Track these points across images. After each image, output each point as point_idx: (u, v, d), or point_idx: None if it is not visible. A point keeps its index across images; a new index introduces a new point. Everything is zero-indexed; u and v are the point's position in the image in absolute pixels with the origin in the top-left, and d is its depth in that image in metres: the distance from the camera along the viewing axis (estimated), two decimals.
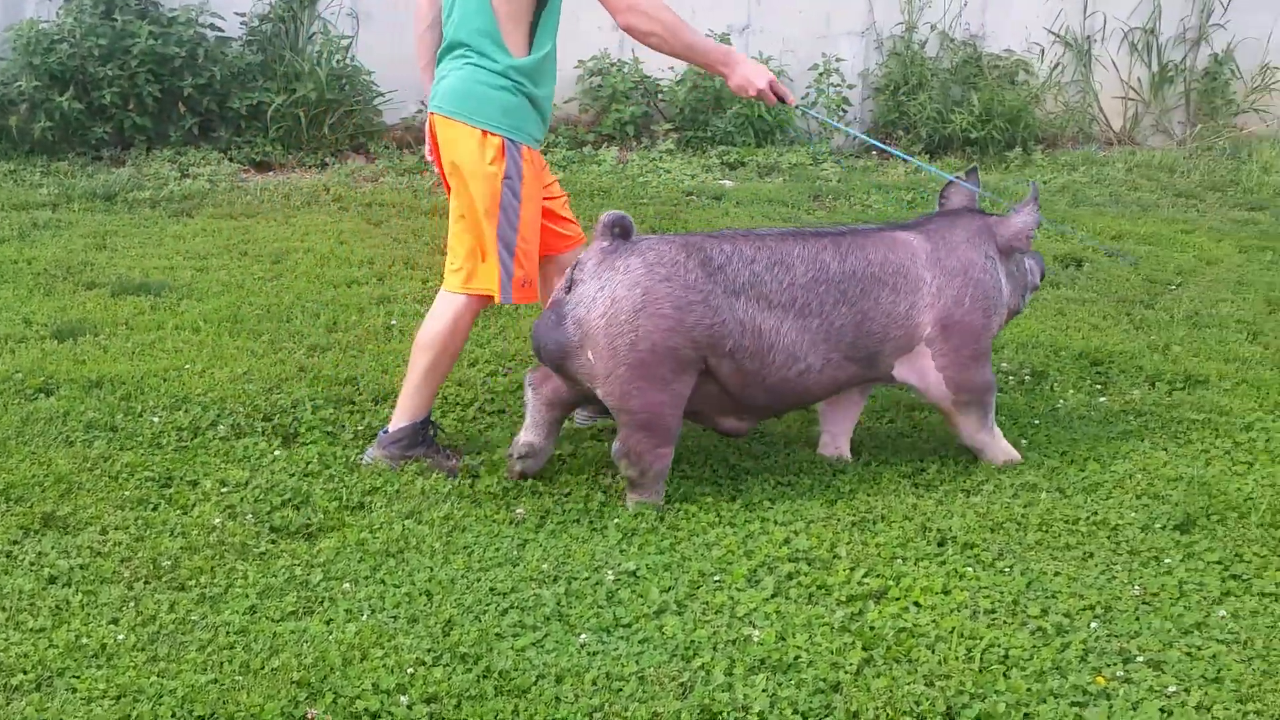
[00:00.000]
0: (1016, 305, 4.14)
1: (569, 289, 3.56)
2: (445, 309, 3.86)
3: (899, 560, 3.41)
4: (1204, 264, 6.28)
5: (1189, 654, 3.01)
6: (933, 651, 2.99)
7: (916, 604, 3.20)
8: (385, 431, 3.94)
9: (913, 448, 4.12)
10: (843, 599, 3.21)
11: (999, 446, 4.04)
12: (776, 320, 3.67)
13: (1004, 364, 4.78)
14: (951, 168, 8.50)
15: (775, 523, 3.59)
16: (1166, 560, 3.43)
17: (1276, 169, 8.53)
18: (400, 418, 3.93)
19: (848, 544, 3.47)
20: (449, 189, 3.89)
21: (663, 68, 8.63)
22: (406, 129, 8.22)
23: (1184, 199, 7.87)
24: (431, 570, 3.26)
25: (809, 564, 3.37)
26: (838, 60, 8.83)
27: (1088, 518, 3.67)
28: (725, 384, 3.67)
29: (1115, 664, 2.96)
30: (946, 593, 3.26)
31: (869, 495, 3.78)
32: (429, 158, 4.03)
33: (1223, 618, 3.16)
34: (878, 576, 3.32)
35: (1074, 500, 3.79)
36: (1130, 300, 5.61)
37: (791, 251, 3.74)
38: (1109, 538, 3.56)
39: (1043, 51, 9.42)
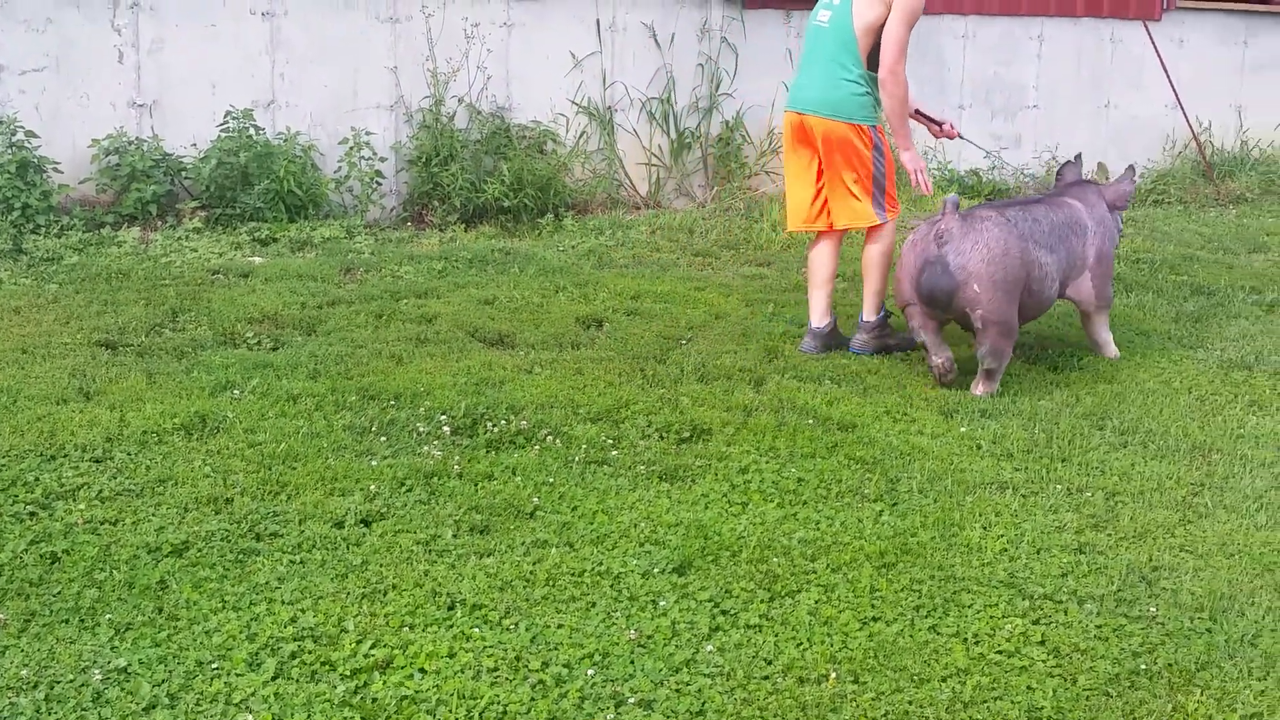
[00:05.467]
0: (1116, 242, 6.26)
1: (940, 253, 5.36)
2: (872, 237, 6.12)
3: (407, 628, 3.42)
4: (713, 318, 6.66)
5: (677, 690, 3.17)
6: (434, 716, 3.02)
7: (422, 670, 3.22)
8: (864, 320, 6.15)
9: (429, 514, 4.14)
10: (347, 673, 3.19)
11: (1112, 342, 6.16)
12: (1045, 256, 5.58)
13: (523, 422, 4.89)
14: (488, 236, 8.68)
15: (282, 602, 3.52)
16: (662, 603, 3.60)
17: (784, 226, 9.16)
18: (870, 312, 6.14)
19: (356, 616, 3.46)
20: (822, 166, 6.06)
21: (185, 145, 8.39)
22: None
23: (701, 257, 8.33)
24: None
25: (314, 641, 3.33)
26: (368, 134, 8.85)
27: (593, 569, 3.80)
28: (1023, 303, 5.52)
29: (609, 708, 3.07)
30: (452, 655, 3.29)
31: (381, 566, 3.77)
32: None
33: (710, 652, 3.35)
34: (384, 646, 3.31)
35: (582, 553, 3.91)
36: (644, 356, 5.87)
37: (1037, 211, 5.69)
38: (611, 586, 3.70)
39: (568, 121, 9.78)
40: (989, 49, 11.34)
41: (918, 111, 6.51)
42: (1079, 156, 6.56)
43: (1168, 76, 8.66)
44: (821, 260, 6.21)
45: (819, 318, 6.17)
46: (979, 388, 5.49)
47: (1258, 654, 3.42)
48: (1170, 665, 3.36)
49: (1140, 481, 4.60)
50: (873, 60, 5.87)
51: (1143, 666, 3.35)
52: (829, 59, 5.90)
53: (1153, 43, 8.58)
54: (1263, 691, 3.25)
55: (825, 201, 6.11)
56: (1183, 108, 8.90)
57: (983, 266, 5.31)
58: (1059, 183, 6.32)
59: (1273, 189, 11.68)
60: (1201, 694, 3.24)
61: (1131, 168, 6.42)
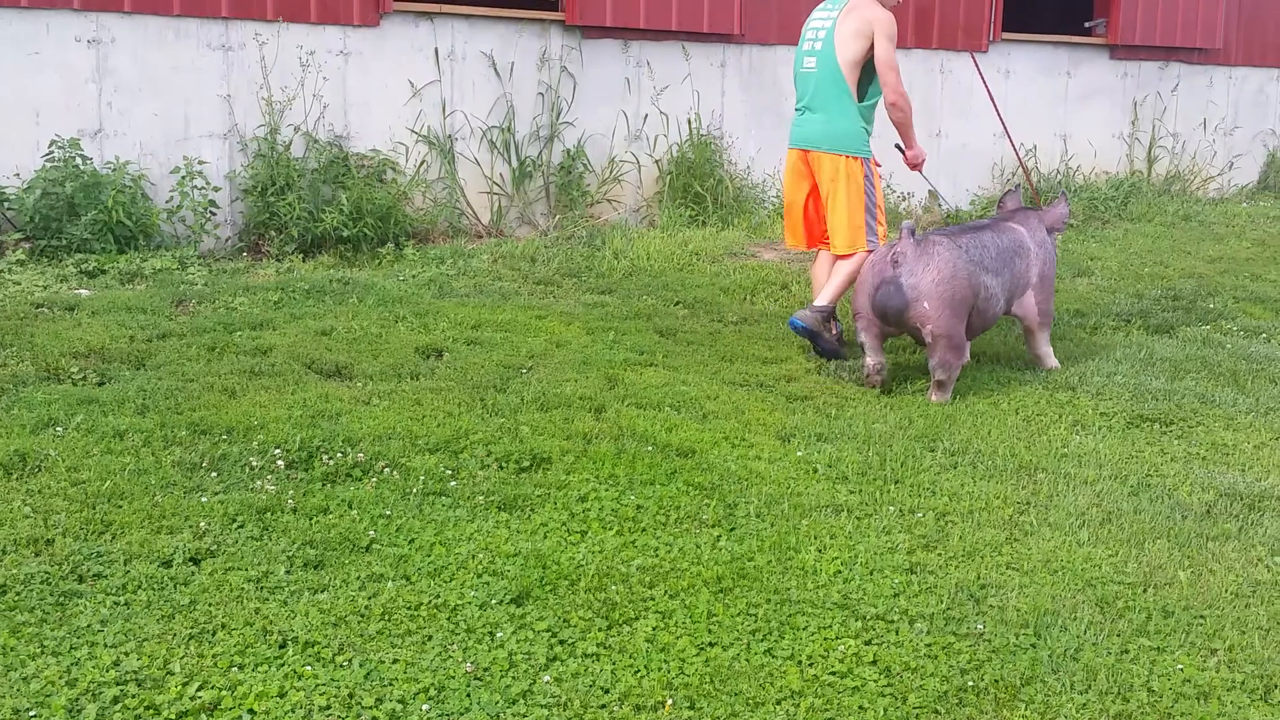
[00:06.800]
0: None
1: (894, 274, 5.86)
2: (846, 260, 6.68)
3: (236, 669, 3.34)
4: (554, 346, 6.65)
5: None
6: None
7: (251, 711, 3.15)
8: (816, 304, 6.65)
9: (261, 551, 4.06)
10: (172, 716, 3.10)
11: (1051, 356, 6.67)
12: (991, 279, 6.08)
13: (360, 454, 4.82)
14: (326, 266, 8.56)
15: (105, 645, 3.41)
16: (500, 634, 3.57)
17: (626, 255, 9.21)
18: (824, 300, 6.68)
19: (182, 658, 3.36)
20: (820, 196, 6.77)
21: (8, 175, 8.13)
22: None
23: (543, 286, 8.32)
24: None
25: (138, 685, 3.23)
26: (201, 163, 8.68)
27: (430, 601, 3.76)
28: (971, 321, 6.00)
29: None
30: (283, 695, 3.23)
31: (210, 605, 3.68)
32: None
33: (548, 683, 3.33)
34: (212, 688, 3.23)
35: (419, 586, 3.87)
36: (484, 386, 5.84)
37: (985, 237, 6.18)
38: (448, 619, 3.66)
39: (408, 150, 9.71)
40: None
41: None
42: (1018, 187, 7.14)
43: (995, 106, 8.94)
44: (824, 270, 6.91)
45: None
46: (933, 395, 6.01)
47: (1080, 667, 3.52)
48: (997, 681, 3.44)
49: (969, 501, 4.71)
50: (860, 91, 6.55)
51: (970, 683, 3.42)
52: (828, 99, 6.58)
53: (980, 73, 8.86)
54: (1085, 704, 3.35)
55: (825, 226, 6.82)
56: (1009, 136, 9.19)
57: (933, 287, 5.81)
58: (1001, 209, 6.83)
59: (1096, 214, 12.10)
60: (1027, 708, 3.32)
61: (1064, 193, 7.03)
